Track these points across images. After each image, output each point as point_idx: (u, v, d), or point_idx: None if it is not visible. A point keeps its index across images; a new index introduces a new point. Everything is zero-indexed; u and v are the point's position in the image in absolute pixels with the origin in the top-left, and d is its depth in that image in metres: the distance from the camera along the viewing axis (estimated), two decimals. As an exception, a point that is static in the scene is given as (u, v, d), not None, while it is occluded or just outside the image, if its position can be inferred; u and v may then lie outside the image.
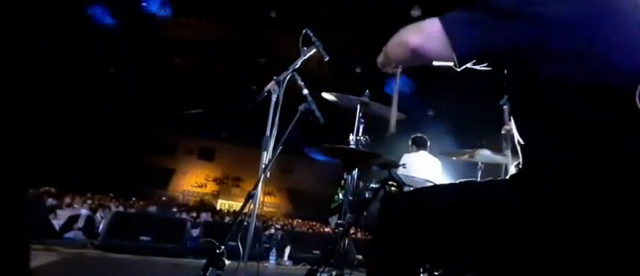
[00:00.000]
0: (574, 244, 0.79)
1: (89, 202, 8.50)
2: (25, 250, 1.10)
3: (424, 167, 3.72)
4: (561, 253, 0.80)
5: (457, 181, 1.00)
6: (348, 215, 2.18)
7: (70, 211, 6.83)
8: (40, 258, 3.02)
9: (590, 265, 0.78)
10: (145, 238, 4.44)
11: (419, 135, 4.04)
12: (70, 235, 5.89)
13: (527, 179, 0.87)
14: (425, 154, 3.96)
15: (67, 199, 7.99)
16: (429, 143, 4.04)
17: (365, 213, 2.23)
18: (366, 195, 2.29)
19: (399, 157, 3.80)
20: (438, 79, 8.57)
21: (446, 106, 8.99)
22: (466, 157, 2.40)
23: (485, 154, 2.58)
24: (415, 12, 8.66)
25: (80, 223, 6.16)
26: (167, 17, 10.89)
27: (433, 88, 8.93)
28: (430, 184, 2.27)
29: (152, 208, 10.06)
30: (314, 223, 15.16)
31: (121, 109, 16.05)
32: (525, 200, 0.83)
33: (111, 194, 11.97)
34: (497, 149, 2.43)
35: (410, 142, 4.01)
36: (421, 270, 1.00)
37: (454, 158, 2.54)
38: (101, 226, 6.15)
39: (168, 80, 16.15)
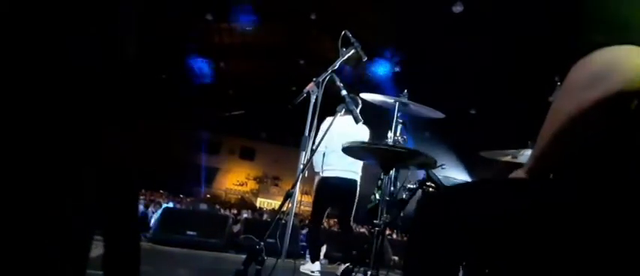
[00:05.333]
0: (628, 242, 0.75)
1: (142, 198, 9.10)
2: (137, 252, 1.16)
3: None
4: (613, 253, 0.76)
5: (504, 179, 0.95)
6: (385, 216, 2.18)
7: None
8: (97, 249, 3.31)
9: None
10: (191, 233, 4.70)
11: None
12: (124, 227, 6.35)
13: (578, 176, 0.83)
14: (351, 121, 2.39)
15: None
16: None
17: (402, 214, 2.21)
18: (404, 195, 2.27)
19: None
20: (479, 74, 8.19)
21: (488, 101, 8.53)
22: (508, 158, 2.28)
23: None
24: (457, 8, 8.36)
25: (134, 217, 6.63)
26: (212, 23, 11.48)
27: (473, 84, 8.50)
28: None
29: (203, 206, 10.52)
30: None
31: (170, 110, 17.07)
32: (574, 197, 0.80)
33: (161, 191, 12.72)
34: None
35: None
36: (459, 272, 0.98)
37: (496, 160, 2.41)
38: (152, 221, 6.59)
39: (213, 83, 16.92)
